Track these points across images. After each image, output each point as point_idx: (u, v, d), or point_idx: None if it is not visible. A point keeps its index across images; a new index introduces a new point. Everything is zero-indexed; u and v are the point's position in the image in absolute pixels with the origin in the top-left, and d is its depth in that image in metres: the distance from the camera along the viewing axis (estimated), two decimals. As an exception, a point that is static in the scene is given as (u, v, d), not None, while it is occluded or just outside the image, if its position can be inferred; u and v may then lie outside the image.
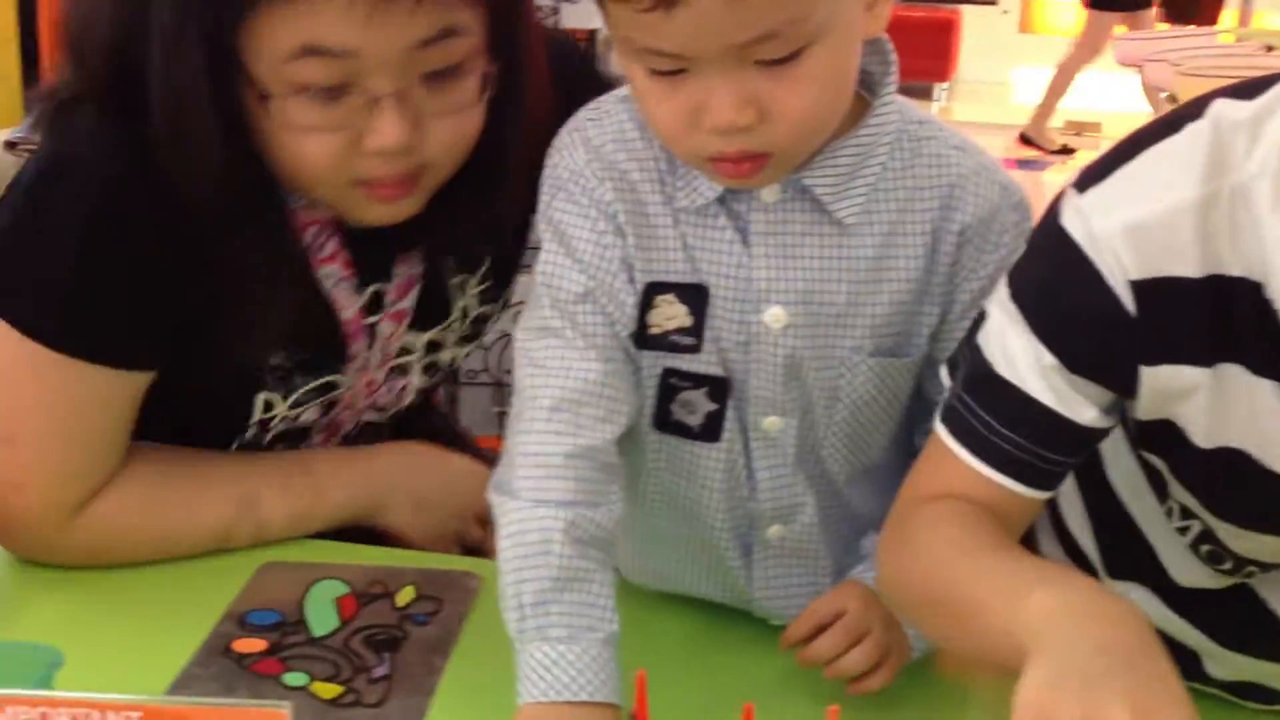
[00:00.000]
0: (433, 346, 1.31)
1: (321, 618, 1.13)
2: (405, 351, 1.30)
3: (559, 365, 1.01)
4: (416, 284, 1.26)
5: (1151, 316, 0.85)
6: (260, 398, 1.24)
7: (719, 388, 1.05)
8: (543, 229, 1.05)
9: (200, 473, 1.24)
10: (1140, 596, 1.08)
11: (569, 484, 0.99)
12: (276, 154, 1.10)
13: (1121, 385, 0.89)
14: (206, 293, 1.15)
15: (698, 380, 1.05)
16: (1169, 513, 1.01)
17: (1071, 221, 0.86)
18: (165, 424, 1.24)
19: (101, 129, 1.12)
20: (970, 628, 0.86)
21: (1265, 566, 0.99)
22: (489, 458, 1.23)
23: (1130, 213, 0.84)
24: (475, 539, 1.33)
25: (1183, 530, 1.01)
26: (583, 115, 1.06)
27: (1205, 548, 1.01)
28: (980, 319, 0.95)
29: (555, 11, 2.25)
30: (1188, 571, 1.05)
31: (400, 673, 1.07)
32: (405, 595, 1.17)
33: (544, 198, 1.05)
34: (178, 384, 1.20)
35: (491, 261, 1.30)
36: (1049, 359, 0.88)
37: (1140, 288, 0.84)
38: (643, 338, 1.04)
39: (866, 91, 1.02)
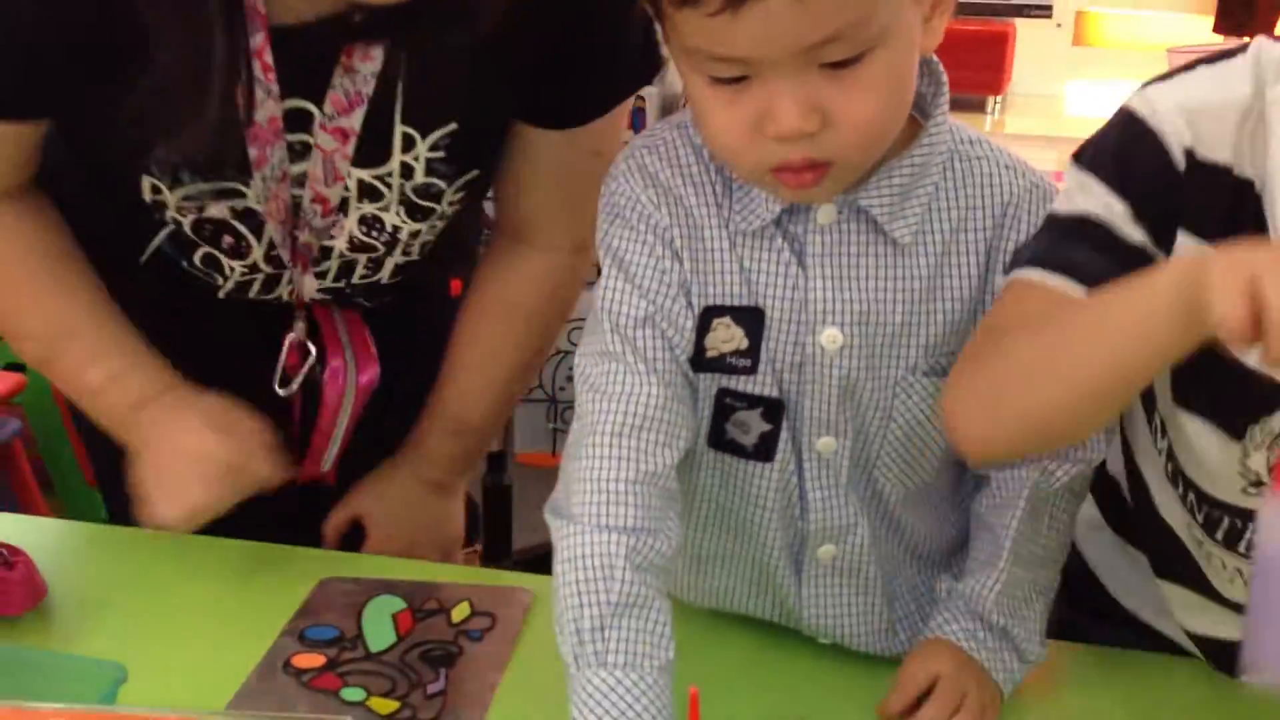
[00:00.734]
0: (371, 194, 1.25)
1: (379, 633, 1.15)
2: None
3: (620, 391, 1.02)
4: (362, 105, 1.20)
5: (1192, 183, 0.93)
6: (146, 180, 1.20)
7: (773, 409, 1.06)
8: (601, 255, 1.06)
9: (50, 284, 1.27)
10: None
11: (631, 510, 0.99)
12: None
13: (1166, 241, 0.94)
14: (109, 45, 1.11)
15: (752, 401, 1.06)
16: (1153, 432, 1.06)
17: (1138, 104, 0.96)
18: (75, 179, 1.25)
19: None
20: (1098, 339, 0.86)
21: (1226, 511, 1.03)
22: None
23: (1189, 96, 0.95)
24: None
25: (1161, 455, 1.05)
26: (638, 143, 1.07)
27: (1181, 491, 1.05)
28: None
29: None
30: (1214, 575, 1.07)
31: (456, 688, 1.09)
32: (460, 611, 1.19)
33: (601, 224, 1.06)
34: (72, 145, 1.22)
35: (452, 137, 1.23)
36: (1119, 206, 0.95)
37: (1189, 155, 0.93)
38: (700, 360, 1.05)
39: (918, 113, 1.03)
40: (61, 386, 1.34)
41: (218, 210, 1.22)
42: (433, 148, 1.23)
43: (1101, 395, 0.88)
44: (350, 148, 1.21)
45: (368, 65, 1.18)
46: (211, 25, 1.09)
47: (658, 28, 1.00)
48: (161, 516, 1.22)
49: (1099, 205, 0.96)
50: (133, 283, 1.30)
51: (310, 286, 1.31)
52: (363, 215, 1.26)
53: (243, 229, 1.24)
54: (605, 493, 0.99)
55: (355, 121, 1.20)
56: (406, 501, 1.39)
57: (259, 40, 1.14)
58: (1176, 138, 0.93)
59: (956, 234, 1.03)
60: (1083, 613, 1.23)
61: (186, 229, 1.24)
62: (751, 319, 1.04)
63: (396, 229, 1.28)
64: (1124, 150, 0.97)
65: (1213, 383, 0.97)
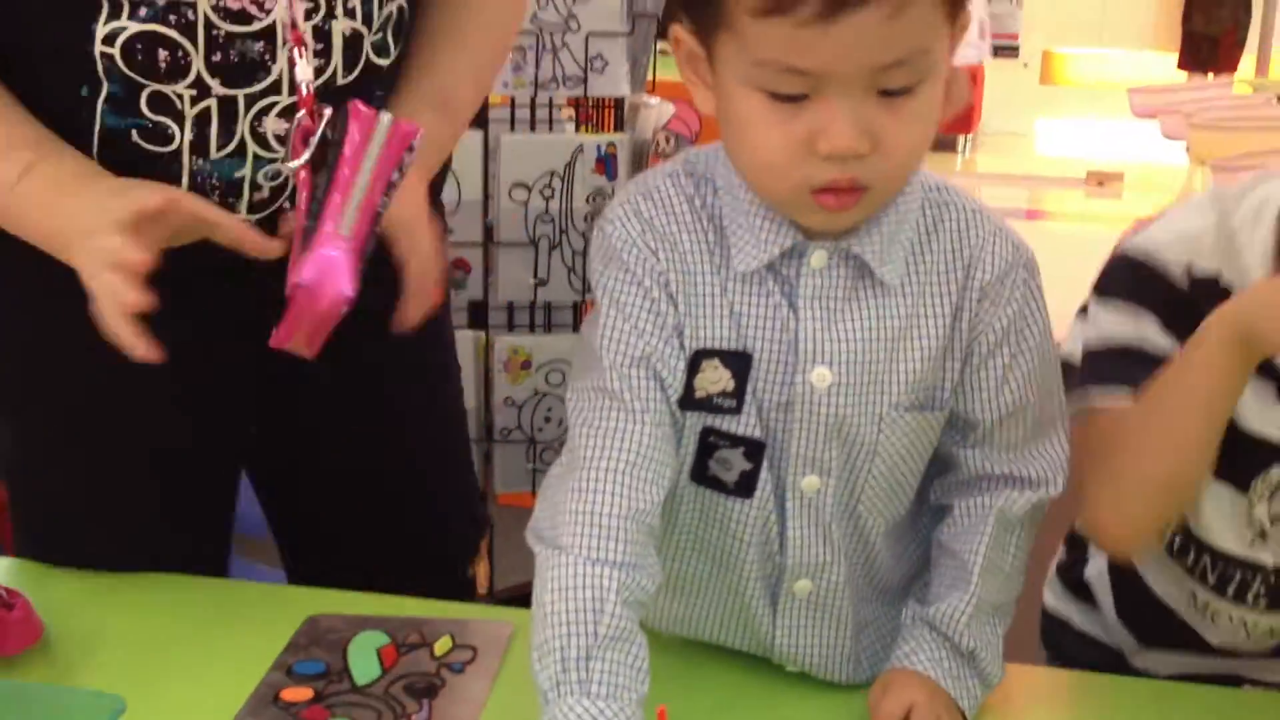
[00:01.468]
0: None
1: (364, 667, 1.20)
2: None
3: (615, 428, 1.05)
4: None
5: (1194, 294, 1.12)
6: None
7: (754, 449, 1.10)
8: (598, 296, 1.10)
9: None
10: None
11: (622, 545, 1.02)
12: None
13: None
14: None
15: (735, 440, 1.10)
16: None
17: (1135, 245, 1.16)
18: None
19: None
20: (1186, 399, 1.09)
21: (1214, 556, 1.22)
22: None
23: (1172, 228, 1.16)
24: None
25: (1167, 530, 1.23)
26: (633, 190, 1.11)
27: (1192, 559, 1.23)
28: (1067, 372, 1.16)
29: (583, 81, 2.32)
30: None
31: (439, 717, 1.13)
32: (443, 645, 1.23)
33: (596, 266, 1.10)
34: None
35: None
36: (1148, 318, 1.14)
37: (1188, 271, 1.13)
38: (688, 400, 1.09)
39: None
40: None
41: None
42: None
43: (1207, 441, 1.10)
44: None
45: None
46: None
47: (693, 48, 1.02)
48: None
49: (1129, 324, 1.14)
50: None
51: (306, 72, 1.19)
52: (310, 10, 1.18)
53: (174, 34, 1.16)
54: (598, 527, 1.03)
55: None
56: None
57: None
58: (1175, 260, 1.13)
59: (930, 275, 1.09)
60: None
61: (119, 62, 1.16)
62: (739, 362, 1.08)
63: (347, 37, 1.22)
64: (1138, 277, 1.15)
65: (1224, 444, 1.12)
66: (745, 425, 1.09)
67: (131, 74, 1.17)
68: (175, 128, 1.19)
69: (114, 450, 1.34)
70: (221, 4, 1.16)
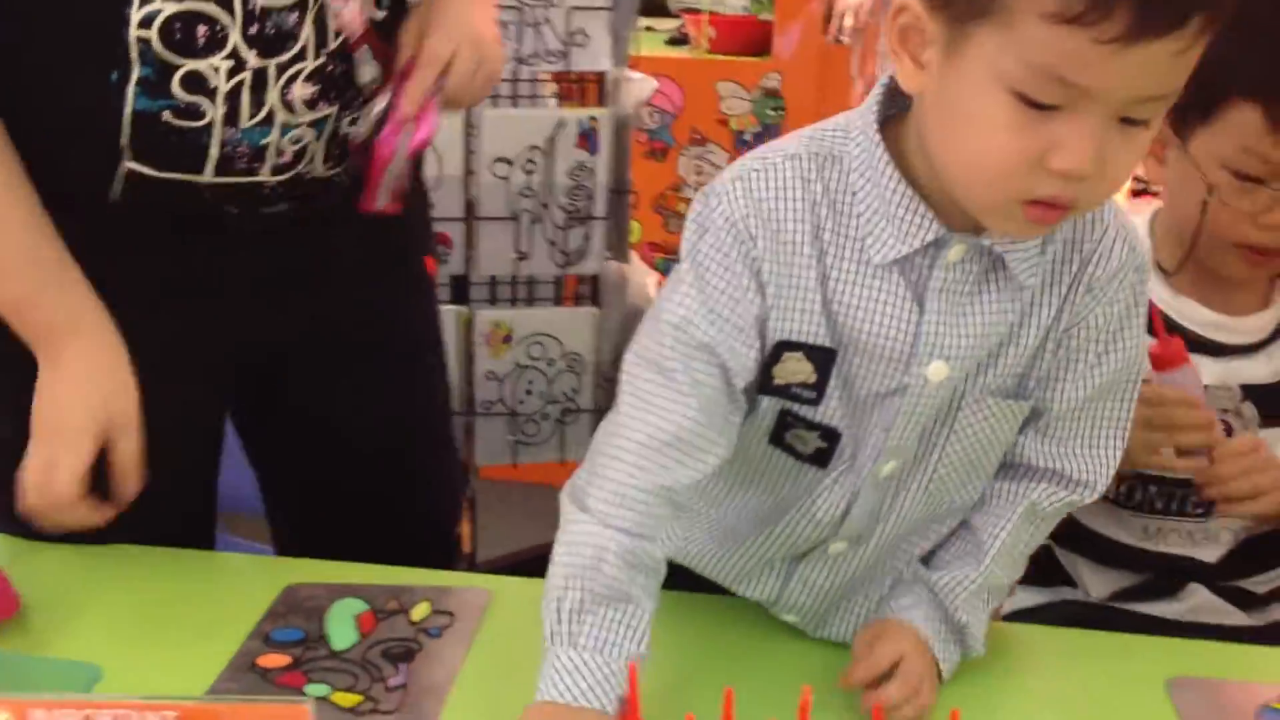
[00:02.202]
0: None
1: (342, 633, 1.20)
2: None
3: (660, 405, 1.05)
4: None
5: None
6: None
7: (831, 434, 1.10)
8: (685, 267, 1.06)
9: None
10: None
11: (637, 516, 1.04)
12: None
13: None
14: None
15: (811, 425, 1.10)
16: None
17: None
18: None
19: None
20: None
21: None
22: None
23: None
24: None
25: None
26: (748, 164, 1.06)
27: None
28: None
29: (565, 55, 2.32)
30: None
31: (415, 681, 1.14)
32: (420, 611, 1.24)
33: (692, 234, 1.06)
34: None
35: None
36: None
37: None
38: (766, 386, 1.08)
39: None
40: None
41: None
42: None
43: None
44: None
45: None
46: None
47: (923, 22, 0.96)
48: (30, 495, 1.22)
49: None
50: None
51: (353, 12, 1.26)
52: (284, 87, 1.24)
53: (213, 8, 1.19)
54: (620, 495, 1.04)
55: None
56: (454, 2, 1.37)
57: None
58: None
59: (1050, 266, 1.07)
60: None
61: (155, 44, 1.18)
62: (823, 357, 1.06)
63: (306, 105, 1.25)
64: None
65: None
66: (824, 414, 1.08)
67: (167, 54, 1.19)
68: (208, 103, 1.22)
69: None
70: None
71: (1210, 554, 1.43)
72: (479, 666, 1.17)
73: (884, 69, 1.36)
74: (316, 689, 1.13)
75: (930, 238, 1.02)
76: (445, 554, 1.60)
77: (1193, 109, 1.31)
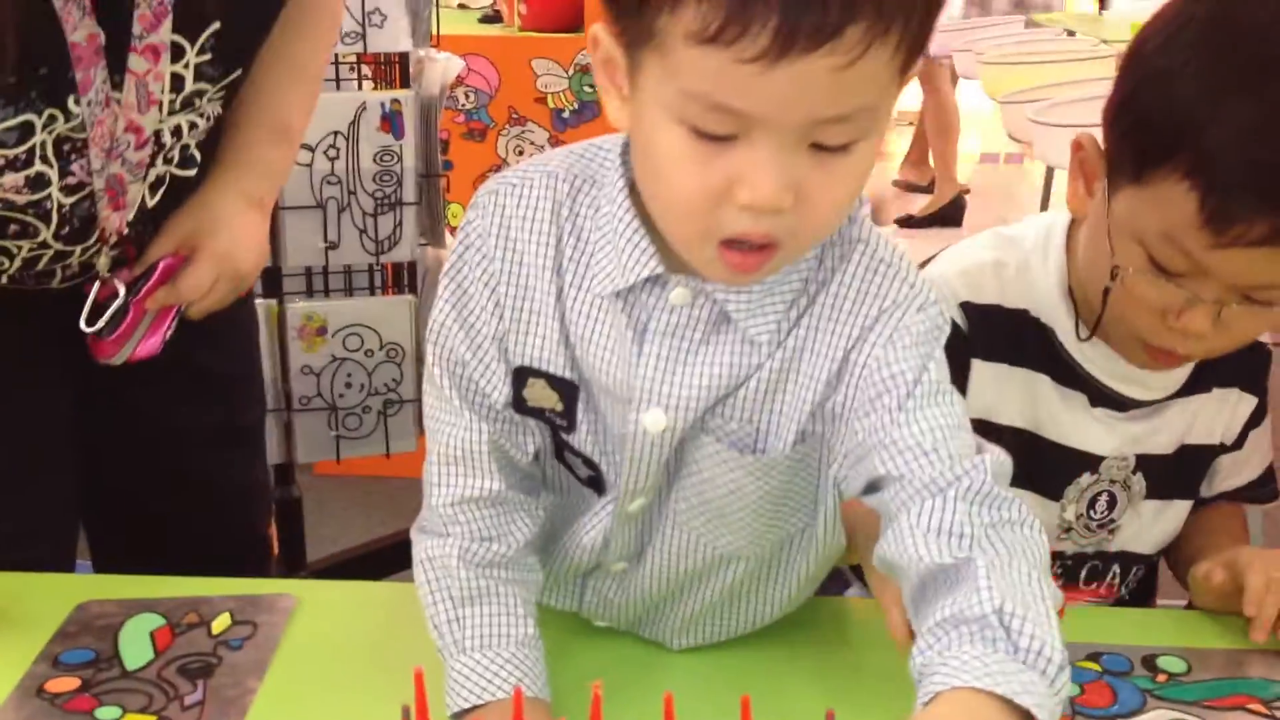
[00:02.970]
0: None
1: (135, 652, 1.15)
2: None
3: (443, 420, 1.05)
4: (167, 15, 1.20)
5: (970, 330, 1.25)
6: None
7: (592, 464, 1.07)
8: (445, 283, 1.03)
9: None
10: None
11: (460, 526, 1.05)
12: None
13: None
14: None
15: (575, 452, 1.07)
16: None
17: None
18: None
19: None
20: None
21: None
22: None
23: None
24: None
25: None
26: (508, 178, 1.02)
27: None
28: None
29: (362, 37, 2.25)
30: None
31: (214, 697, 1.09)
32: (221, 623, 1.19)
33: (457, 248, 1.03)
34: None
35: (218, 35, 1.25)
36: None
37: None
38: (521, 406, 1.04)
39: None
40: None
41: (11, 180, 1.18)
42: (200, 50, 1.25)
43: None
44: (163, 65, 1.21)
45: None
46: None
47: (614, 54, 0.90)
48: None
49: None
50: None
51: (117, 222, 1.28)
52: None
53: (29, 217, 1.22)
54: (440, 512, 1.06)
55: (164, 35, 1.20)
56: (230, 219, 1.37)
57: None
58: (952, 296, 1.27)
59: (814, 334, 0.99)
60: None
61: None
62: (567, 388, 1.03)
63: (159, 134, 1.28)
64: None
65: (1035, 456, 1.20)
66: (580, 444, 1.06)
67: None
68: (7, 262, 1.27)
69: None
70: (67, 182, 1.23)
71: None
72: (283, 676, 1.12)
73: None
74: (108, 712, 1.07)
75: (646, 273, 0.96)
76: (257, 558, 1.56)
77: (1128, 159, 1.09)
